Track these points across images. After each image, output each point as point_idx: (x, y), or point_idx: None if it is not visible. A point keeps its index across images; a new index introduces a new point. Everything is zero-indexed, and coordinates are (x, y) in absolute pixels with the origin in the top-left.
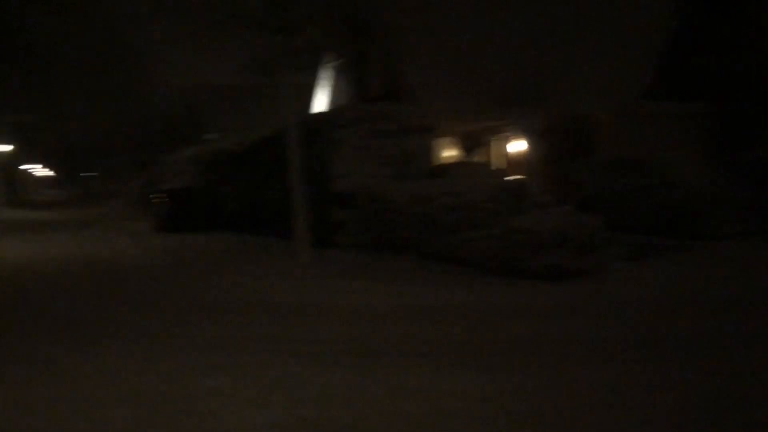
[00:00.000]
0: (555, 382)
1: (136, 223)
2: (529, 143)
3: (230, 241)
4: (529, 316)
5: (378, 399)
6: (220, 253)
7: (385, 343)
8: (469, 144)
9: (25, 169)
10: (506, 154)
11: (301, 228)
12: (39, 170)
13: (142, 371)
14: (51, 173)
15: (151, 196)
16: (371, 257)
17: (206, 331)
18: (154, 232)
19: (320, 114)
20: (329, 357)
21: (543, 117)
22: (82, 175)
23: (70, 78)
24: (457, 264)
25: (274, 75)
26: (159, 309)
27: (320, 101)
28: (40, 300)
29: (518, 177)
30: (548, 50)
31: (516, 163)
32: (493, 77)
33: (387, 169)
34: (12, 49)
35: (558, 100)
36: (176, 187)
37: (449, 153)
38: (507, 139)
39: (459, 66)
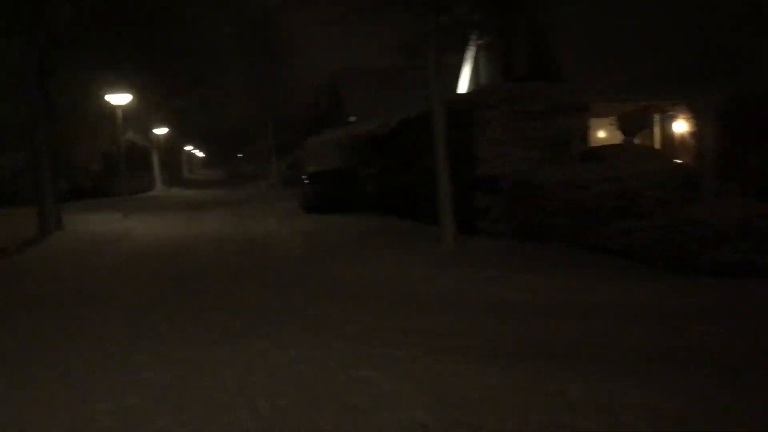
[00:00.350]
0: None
1: (282, 203)
2: (701, 125)
3: (372, 224)
4: (710, 317)
5: (541, 408)
6: (364, 236)
7: (543, 342)
8: (629, 125)
9: (181, 150)
10: (673, 136)
11: (446, 213)
12: (193, 151)
13: (293, 359)
14: (202, 154)
15: (302, 177)
16: (517, 245)
17: (354, 319)
18: (300, 212)
19: (466, 94)
20: (483, 354)
21: (721, 96)
22: (231, 156)
23: (221, 62)
24: (613, 256)
25: (422, 55)
26: (307, 293)
27: (463, 82)
28: (197, 280)
29: (687, 162)
30: (728, 19)
31: (684, 146)
32: (658, 51)
33: (535, 153)
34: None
35: (739, 78)
36: (321, 170)
37: (605, 135)
38: (673, 120)
39: (616, 39)
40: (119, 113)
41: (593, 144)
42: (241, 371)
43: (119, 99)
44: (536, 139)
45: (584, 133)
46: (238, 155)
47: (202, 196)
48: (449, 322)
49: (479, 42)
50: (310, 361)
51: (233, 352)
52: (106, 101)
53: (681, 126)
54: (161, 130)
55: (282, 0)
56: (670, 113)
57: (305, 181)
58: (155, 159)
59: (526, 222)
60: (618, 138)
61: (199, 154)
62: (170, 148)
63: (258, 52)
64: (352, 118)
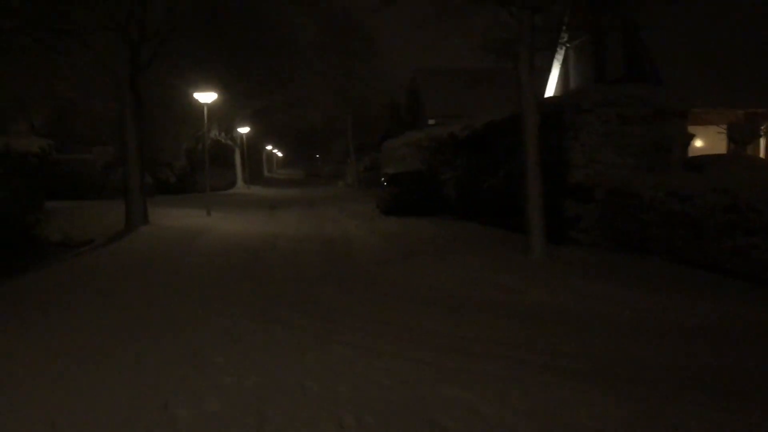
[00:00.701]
0: None
1: (359, 204)
2: None
3: (453, 229)
4: None
5: None
6: (446, 241)
7: (651, 365)
8: (739, 134)
9: (261, 149)
10: None
11: (537, 221)
12: (272, 150)
13: (379, 372)
14: (281, 154)
15: (381, 179)
16: (612, 257)
17: (442, 329)
18: (378, 214)
19: (557, 97)
20: (588, 376)
21: None
22: (308, 155)
23: (304, 62)
24: (719, 273)
25: (512, 56)
26: (391, 299)
27: (550, 85)
28: (276, 281)
29: None
30: None
31: None
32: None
33: (631, 160)
34: (255, 36)
35: None
36: (400, 172)
37: (702, 144)
38: None
39: (718, 41)
40: (205, 111)
41: (694, 153)
42: (324, 381)
43: (205, 97)
44: (633, 146)
45: (687, 141)
46: (316, 155)
47: (281, 195)
48: (545, 337)
49: (571, 43)
50: (397, 375)
51: (316, 359)
52: (191, 99)
53: None
54: (244, 129)
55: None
56: None
57: (384, 183)
58: (237, 157)
59: (620, 233)
60: (719, 147)
61: (279, 153)
62: (251, 147)
63: (340, 53)
64: (431, 121)
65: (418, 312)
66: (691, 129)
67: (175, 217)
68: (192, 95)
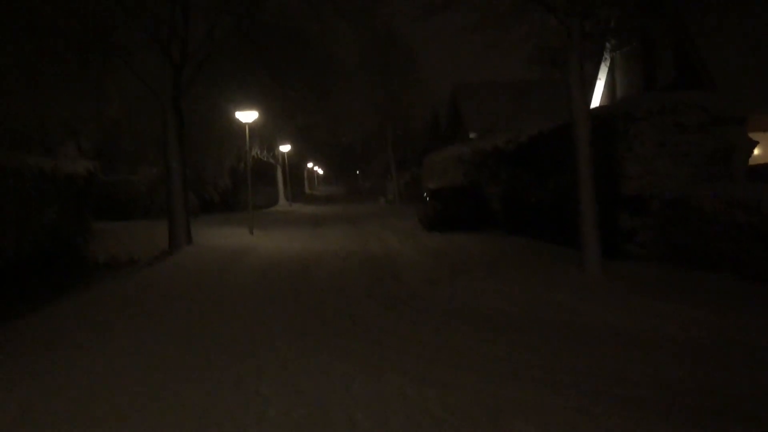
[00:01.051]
0: None
1: (402, 220)
2: None
3: (500, 244)
4: None
5: None
6: (494, 257)
7: (741, 395)
8: None
9: (303, 167)
10: None
11: (591, 236)
12: (314, 168)
13: (433, 403)
14: (321, 171)
15: (424, 195)
16: (672, 273)
17: (498, 353)
18: (421, 230)
19: (607, 106)
20: (662, 409)
21: None
22: (348, 172)
23: (345, 79)
24: None
25: (559, 65)
26: (440, 321)
27: (596, 95)
28: (321, 301)
29: None
30: None
31: None
32: None
33: (688, 169)
34: (296, 54)
35: None
36: (442, 186)
37: (758, 152)
38: None
39: None
40: (247, 130)
41: (755, 161)
42: (375, 413)
43: (247, 116)
44: (690, 155)
45: (750, 148)
46: (356, 171)
47: (322, 212)
48: (610, 362)
49: (618, 50)
50: (454, 407)
51: (365, 388)
52: (233, 118)
53: None
54: (285, 147)
55: (422, 8)
56: None
57: (426, 198)
58: (279, 175)
59: (680, 247)
60: None
61: (319, 170)
62: (293, 165)
63: (381, 68)
64: (472, 134)
65: (472, 335)
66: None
67: (219, 236)
68: (234, 114)
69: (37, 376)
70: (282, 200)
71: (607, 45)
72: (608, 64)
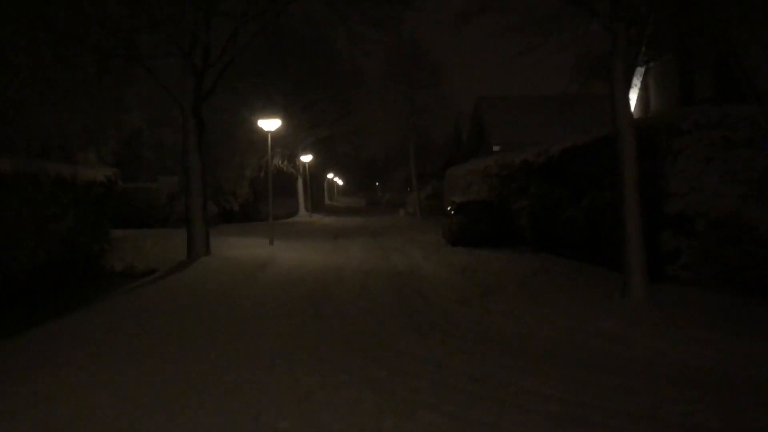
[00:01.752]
0: None
1: (425, 234)
2: None
3: (530, 262)
4: None
5: None
6: (525, 276)
7: None
8: None
9: (323, 178)
10: None
11: (637, 257)
12: (334, 179)
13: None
14: (341, 182)
15: (448, 208)
16: (725, 299)
17: (544, 389)
18: (445, 245)
19: (652, 118)
20: None
21: None
22: (368, 184)
23: (368, 92)
24: None
25: (605, 73)
26: (476, 348)
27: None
28: (343, 321)
29: None
30: None
31: None
32: None
33: (737, 188)
34: (319, 64)
35: None
36: (468, 200)
37: None
38: None
39: None
40: (269, 138)
41: None
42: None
43: (269, 124)
44: (739, 172)
45: None
46: (376, 183)
47: (343, 224)
48: (675, 403)
49: (654, 61)
50: None
51: (397, 428)
52: (255, 127)
53: None
54: (306, 158)
55: (458, 13)
56: None
57: (451, 212)
58: (300, 185)
59: (729, 271)
60: None
61: (339, 181)
62: (313, 175)
63: (405, 81)
64: (496, 148)
65: (512, 366)
66: None
67: (238, 247)
68: (256, 123)
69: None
70: (302, 211)
71: (642, 56)
72: (641, 76)
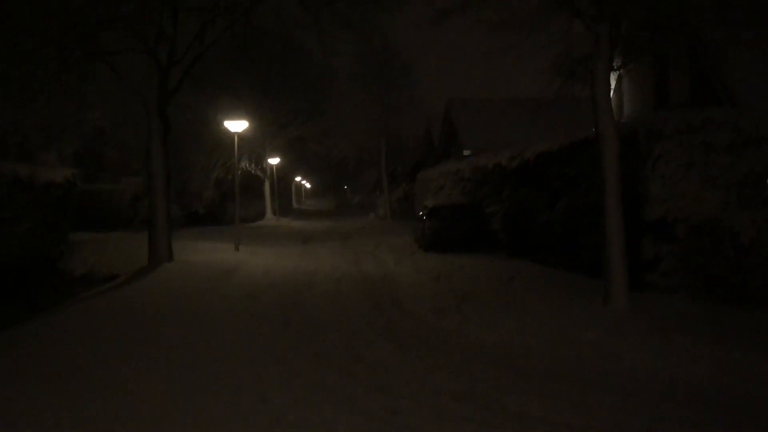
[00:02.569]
0: None
1: (395, 237)
2: None
3: (506, 268)
4: None
5: None
6: (501, 283)
7: None
8: None
9: (291, 180)
10: None
11: (618, 264)
12: (302, 181)
13: None
14: (309, 185)
15: (420, 212)
16: (708, 308)
17: (532, 410)
18: (417, 250)
19: (631, 122)
20: None
21: None
22: (337, 186)
23: (337, 91)
24: None
25: (587, 74)
26: (457, 362)
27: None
28: (316, 332)
29: None
30: None
31: None
32: None
33: (718, 193)
34: (287, 64)
35: None
36: (440, 204)
37: None
38: None
39: None
40: (236, 140)
41: None
42: None
43: (236, 126)
44: (720, 178)
45: None
46: (344, 186)
47: (311, 227)
48: (677, 427)
49: (628, 65)
50: None
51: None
52: (221, 128)
53: None
54: (274, 160)
55: (436, 11)
56: None
57: (423, 217)
58: (267, 188)
59: (709, 278)
60: None
61: (307, 184)
62: (281, 178)
63: (376, 81)
64: (467, 151)
65: (496, 381)
66: None
67: (203, 252)
68: (222, 123)
69: None
70: (269, 214)
71: (617, 59)
72: (615, 80)
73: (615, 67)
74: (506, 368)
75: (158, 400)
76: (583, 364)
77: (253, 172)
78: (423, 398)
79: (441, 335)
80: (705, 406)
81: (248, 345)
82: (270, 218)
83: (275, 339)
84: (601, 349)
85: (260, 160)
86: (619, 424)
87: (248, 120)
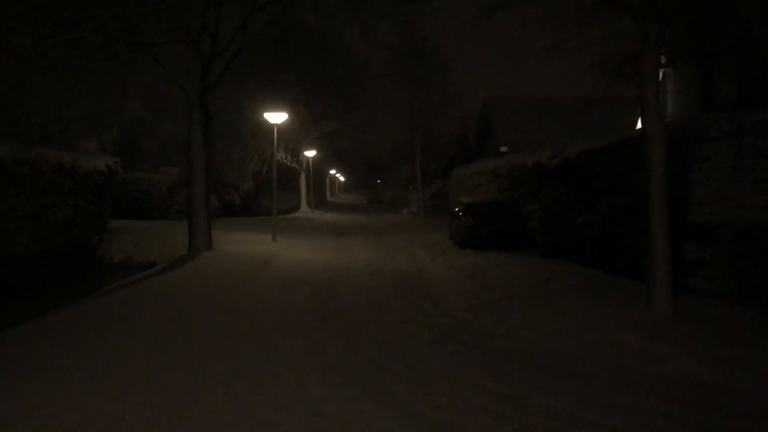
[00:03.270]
0: None
1: (430, 234)
2: None
3: (543, 268)
4: None
5: None
6: (538, 283)
7: None
8: None
9: (326, 173)
10: None
11: (663, 268)
12: (336, 175)
13: None
14: (343, 179)
15: (456, 209)
16: (750, 314)
17: (576, 412)
18: (452, 246)
19: (677, 123)
20: None
21: None
22: (370, 180)
23: (374, 86)
24: None
25: (634, 73)
26: (495, 361)
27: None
28: (351, 326)
29: None
30: None
31: None
32: None
33: (763, 197)
34: (327, 59)
35: None
36: (477, 201)
37: None
38: None
39: None
40: (275, 131)
41: None
42: None
43: (275, 117)
44: (765, 181)
45: None
46: (378, 181)
47: (345, 221)
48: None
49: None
50: None
51: None
52: (260, 121)
53: None
54: (310, 153)
55: (480, 8)
56: None
57: (458, 213)
58: (302, 181)
59: (755, 284)
60: None
61: (341, 178)
62: (316, 171)
63: (413, 78)
64: (504, 148)
65: (535, 382)
66: None
67: (240, 242)
68: (261, 115)
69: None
70: (304, 206)
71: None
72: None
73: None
74: (545, 369)
75: (204, 378)
76: (625, 368)
77: (289, 164)
78: (463, 396)
79: (477, 334)
80: (752, 416)
81: (286, 337)
82: (305, 210)
83: (311, 332)
84: (643, 354)
85: (296, 153)
86: (664, 428)
87: (286, 112)
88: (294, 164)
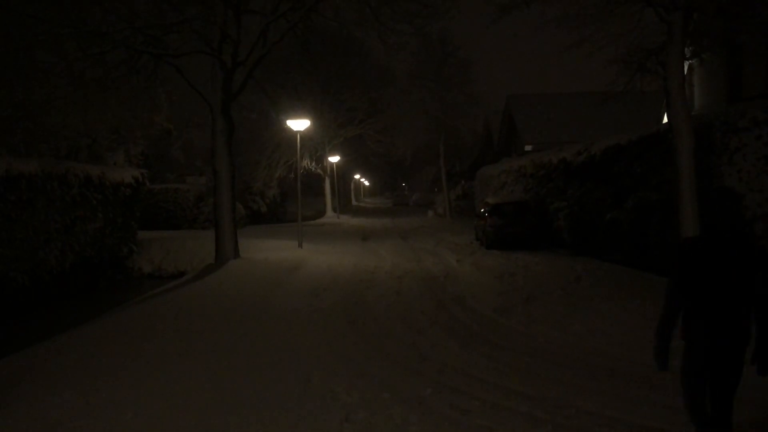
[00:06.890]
0: None
1: (456, 236)
2: None
3: (571, 266)
4: None
5: None
6: (568, 281)
7: None
8: None
9: (350, 178)
10: None
11: None
12: (360, 179)
13: None
14: (368, 183)
15: (481, 209)
16: None
17: (616, 414)
18: (479, 247)
19: (705, 114)
20: None
21: None
22: (394, 184)
23: (398, 91)
24: None
25: (658, 66)
26: (528, 363)
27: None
28: (380, 330)
29: None
30: None
31: None
32: None
33: None
34: (349, 65)
35: None
36: (503, 201)
37: None
38: None
39: None
40: (298, 138)
41: None
42: None
43: (298, 125)
44: None
45: None
46: (402, 184)
47: (371, 225)
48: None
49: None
50: None
51: None
52: (283, 127)
53: None
54: (334, 158)
55: (498, 6)
56: None
57: (484, 214)
58: (327, 186)
59: None
60: None
61: (365, 182)
62: (340, 176)
63: (436, 79)
64: (528, 147)
65: (568, 383)
66: None
67: (267, 250)
68: (284, 123)
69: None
70: (329, 212)
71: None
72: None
73: (687, 57)
74: (577, 370)
75: (236, 382)
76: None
77: (314, 170)
78: (494, 399)
79: (507, 335)
80: None
81: (315, 343)
82: (330, 216)
83: (340, 337)
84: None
85: (320, 159)
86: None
87: (309, 119)
88: (319, 170)
